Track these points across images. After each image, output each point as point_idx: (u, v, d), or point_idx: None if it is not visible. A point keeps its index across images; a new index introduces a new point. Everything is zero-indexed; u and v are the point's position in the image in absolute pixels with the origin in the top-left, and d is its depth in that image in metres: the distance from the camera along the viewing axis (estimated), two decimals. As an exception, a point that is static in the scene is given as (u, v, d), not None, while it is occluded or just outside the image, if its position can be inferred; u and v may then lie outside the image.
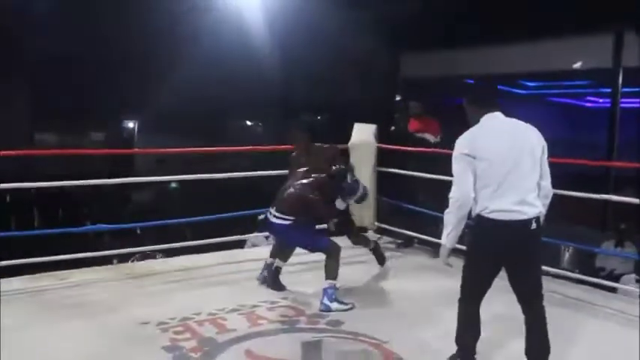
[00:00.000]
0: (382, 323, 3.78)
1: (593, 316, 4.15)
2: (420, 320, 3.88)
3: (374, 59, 9.54)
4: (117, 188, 11.32)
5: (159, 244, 5.83)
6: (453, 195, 2.87)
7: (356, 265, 4.89)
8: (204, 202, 9.69)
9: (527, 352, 2.91)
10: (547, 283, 4.70)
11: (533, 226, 2.77)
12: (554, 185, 4.80)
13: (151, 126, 14.34)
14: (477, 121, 2.95)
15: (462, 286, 2.99)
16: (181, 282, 4.69)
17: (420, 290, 4.49)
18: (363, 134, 5.86)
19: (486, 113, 2.94)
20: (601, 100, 10.19)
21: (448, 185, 2.98)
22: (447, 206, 2.90)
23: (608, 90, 8.29)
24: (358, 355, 3.36)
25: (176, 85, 12.30)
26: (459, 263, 3.06)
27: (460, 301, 3.00)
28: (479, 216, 2.84)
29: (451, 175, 2.92)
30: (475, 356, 3.00)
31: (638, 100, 9.12)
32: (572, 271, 7.13)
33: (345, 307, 3.99)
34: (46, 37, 10.81)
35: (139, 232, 8.78)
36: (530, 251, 2.86)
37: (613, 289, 5.07)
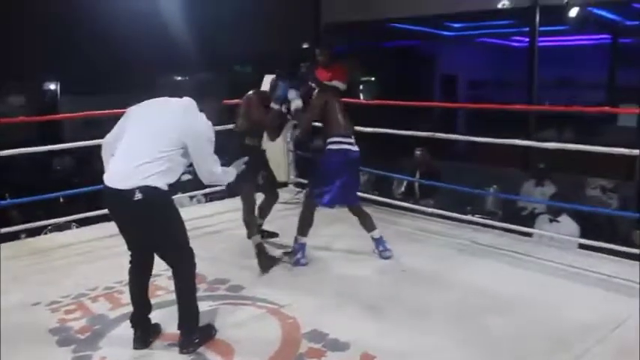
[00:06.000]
0: (282, 286, 3.73)
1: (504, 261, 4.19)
2: (320, 281, 3.84)
3: (294, 5, 9.23)
4: (40, 156, 10.82)
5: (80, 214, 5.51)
6: None
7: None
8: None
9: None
10: (461, 230, 4.83)
11: (138, 196, 2.73)
12: (482, 128, 4.83)
13: (75, 87, 13.66)
14: None
15: None
16: (87, 254, 4.50)
17: (326, 248, 4.44)
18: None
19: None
20: (527, 40, 10.20)
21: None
22: None
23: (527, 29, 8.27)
24: (255, 321, 3.28)
25: (98, 42, 11.70)
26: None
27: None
28: None
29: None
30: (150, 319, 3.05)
31: (556, 38, 9.18)
32: (497, 213, 7.32)
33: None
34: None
35: (61, 200, 8.39)
36: (136, 221, 2.85)
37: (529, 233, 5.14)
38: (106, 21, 11.65)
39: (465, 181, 6.01)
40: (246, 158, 3.43)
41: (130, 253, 3.02)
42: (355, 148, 4.08)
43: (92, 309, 3.46)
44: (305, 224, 4.12)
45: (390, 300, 3.48)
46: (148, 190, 2.74)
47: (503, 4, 8.75)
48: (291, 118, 4.33)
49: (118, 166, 2.83)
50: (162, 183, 2.80)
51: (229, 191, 4.48)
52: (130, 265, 3.03)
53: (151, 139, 2.83)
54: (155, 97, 3.07)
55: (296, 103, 4.19)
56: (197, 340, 2.97)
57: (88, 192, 5.58)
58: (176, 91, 3.12)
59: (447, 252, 4.36)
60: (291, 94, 4.20)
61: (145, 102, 3.04)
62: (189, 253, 2.95)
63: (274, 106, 4.19)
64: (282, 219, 4.98)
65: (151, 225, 2.85)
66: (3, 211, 6.77)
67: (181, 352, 2.93)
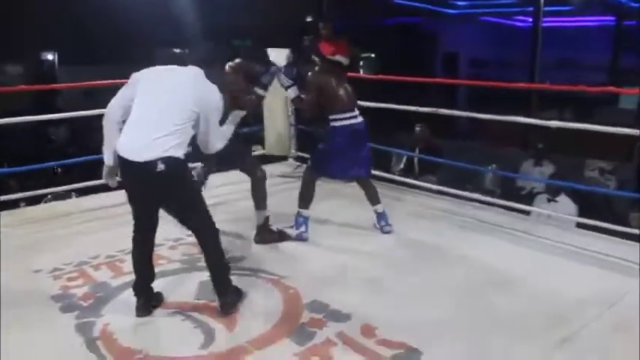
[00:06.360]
0: (283, 258, 3.76)
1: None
2: (321, 254, 3.86)
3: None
4: (35, 125, 10.78)
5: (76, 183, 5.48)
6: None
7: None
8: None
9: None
10: (462, 207, 4.84)
11: (160, 167, 2.75)
12: (483, 106, 4.80)
13: (73, 57, 13.53)
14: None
15: None
16: (87, 223, 4.50)
17: (327, 222, 4.44)
18: (276, 59, 5.63)
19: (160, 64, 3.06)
20: (530, 20, 10.14)
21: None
22: None
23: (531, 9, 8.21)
24: (256, 291, 3.30)
25: (97, 12, 11.57)
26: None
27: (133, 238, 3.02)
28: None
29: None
30: (151, 290, 3.08)
31: (560, 19, 9.11)
32: (495, 192, 7.33)
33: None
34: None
35: (58, 170, 8.37)
36: (159, 191, 2.86)
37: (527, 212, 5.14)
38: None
39: (464, 159, 6.02)
40: (243, 112, 3.42)
41: (134, 222, 3.02)
42: (359, 119, 4.06)
43: (94, 277, 3.48)
44: (306, 197, 4.11)
45: (392, 274, 3.51)
46: (170, 161, 2.76)
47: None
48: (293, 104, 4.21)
49: (134, 139, 2.80)
50: (180, 154, 2.82)
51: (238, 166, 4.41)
52: (133, 234, 3.03)
53: (165, 112, 2.81)
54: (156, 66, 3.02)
55: (290, 93, 4.08)
56: (230, 300, 3.02)
57: (84, 162, 5.59)
58: (179, 60, 3.09)
59: (449, 228, 4.38)
60: (283, 80, 4.03)
61: (151, 69, 2.99)
62: (210, 218, 2.99)
63: (260, 92, 3.88)
64: (282, 192, 4.99)
65: (174, 194, 2.88)
66: (0, 180, 6.76)
67: (223, 312, 2.98)
